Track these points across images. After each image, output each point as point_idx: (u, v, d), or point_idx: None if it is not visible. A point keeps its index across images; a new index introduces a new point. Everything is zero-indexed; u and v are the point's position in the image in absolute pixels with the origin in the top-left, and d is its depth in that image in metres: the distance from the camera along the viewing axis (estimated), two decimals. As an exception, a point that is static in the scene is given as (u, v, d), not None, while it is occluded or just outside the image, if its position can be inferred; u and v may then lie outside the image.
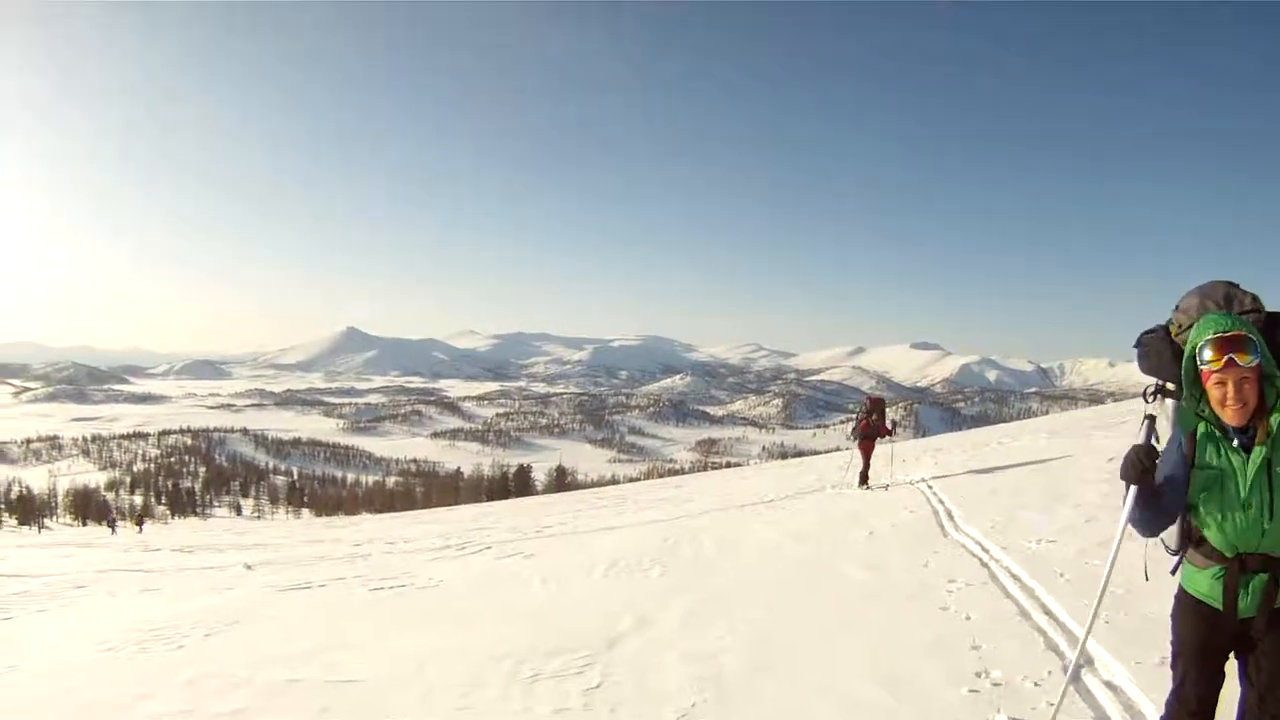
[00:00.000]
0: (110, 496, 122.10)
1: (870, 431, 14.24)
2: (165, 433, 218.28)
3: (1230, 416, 2.64)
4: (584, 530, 14.83)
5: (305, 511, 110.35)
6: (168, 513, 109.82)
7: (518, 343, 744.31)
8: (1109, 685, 4.30)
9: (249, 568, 14.39)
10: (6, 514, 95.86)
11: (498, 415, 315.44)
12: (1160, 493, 2.78)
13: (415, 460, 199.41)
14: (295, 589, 10.88)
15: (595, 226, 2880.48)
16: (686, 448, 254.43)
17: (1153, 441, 2.89)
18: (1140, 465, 2.75)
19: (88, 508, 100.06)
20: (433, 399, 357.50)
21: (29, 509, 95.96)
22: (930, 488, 12.40)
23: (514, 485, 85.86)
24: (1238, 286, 2.91)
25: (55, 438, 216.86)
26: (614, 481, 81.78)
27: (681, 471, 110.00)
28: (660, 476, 70.00)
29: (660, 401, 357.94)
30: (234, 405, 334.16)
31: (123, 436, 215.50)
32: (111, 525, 50.36)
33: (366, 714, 5.21)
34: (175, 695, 5.90)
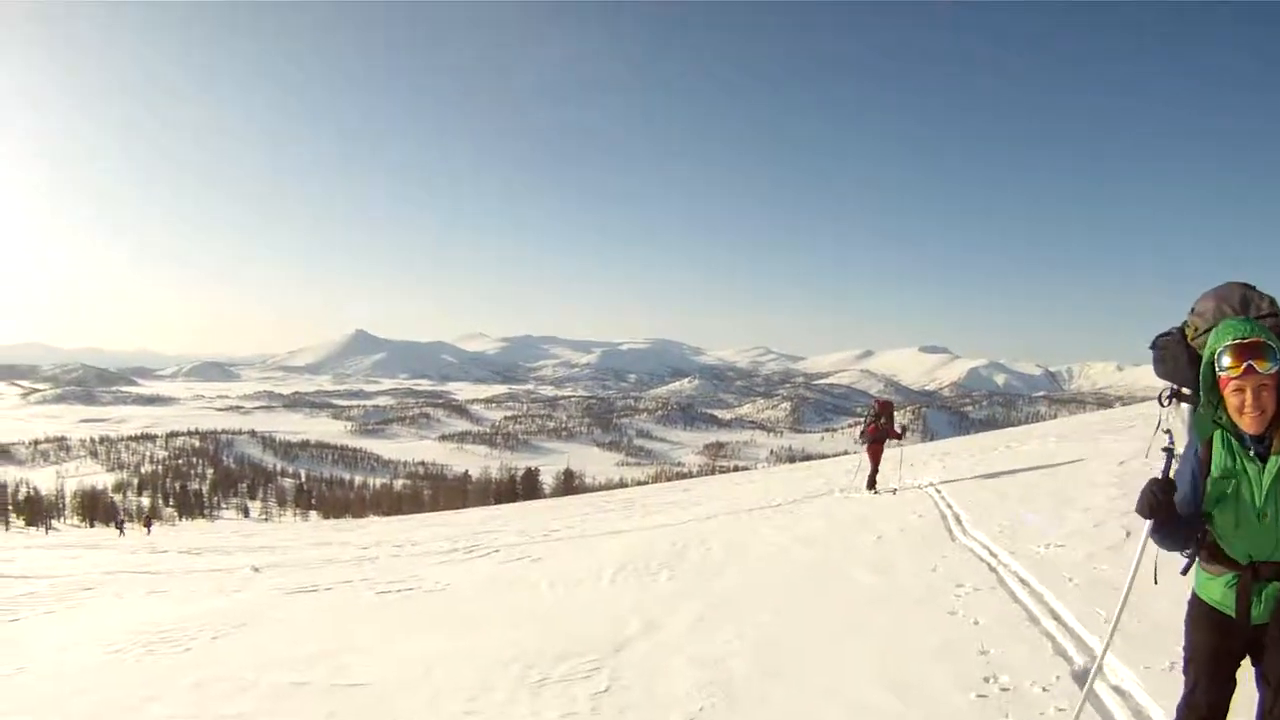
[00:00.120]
0: (118, 498, 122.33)
1: (879, 435, 14.17)
2: (173, 434, 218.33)
3: (1248, 425, 2.59)
4: (592, 534, 14.82)
5: (313, 514, 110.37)
6: (175, 514, 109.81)
7: (526, 346, 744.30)
8: (1117, 690, 4.27)
9: (256, 570, 14.43)
10: (14, 515, 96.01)
11: (506, 418, 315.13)
12: (1177, 521, 2.74)
13: (423, 463, 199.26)
14: (302, 592, 10.91)
15: (603, 229, 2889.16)
16: (694, 451, 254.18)
17: (1171, 474, 2.80)
18: (1157, 501, 2.69)
19: (95, 509, 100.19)
20: (441, 402, 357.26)
21: (36, 510, 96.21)
22: (938, 492, 12.35)
23: (522, 488, 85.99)
24: (1254, 289, 2.86)
25: (63, 439, 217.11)
26: (622, 485, 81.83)
27: (689, 475, 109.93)
28: (668, 480, 69.97)
29: (668, 405, 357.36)
30: (242, 407, 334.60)
31: (130, 438, 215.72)
32: (120, 527, 50.55)
33: (373, 718, 5.22)
34: (182, 698, 5.91)
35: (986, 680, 4.62)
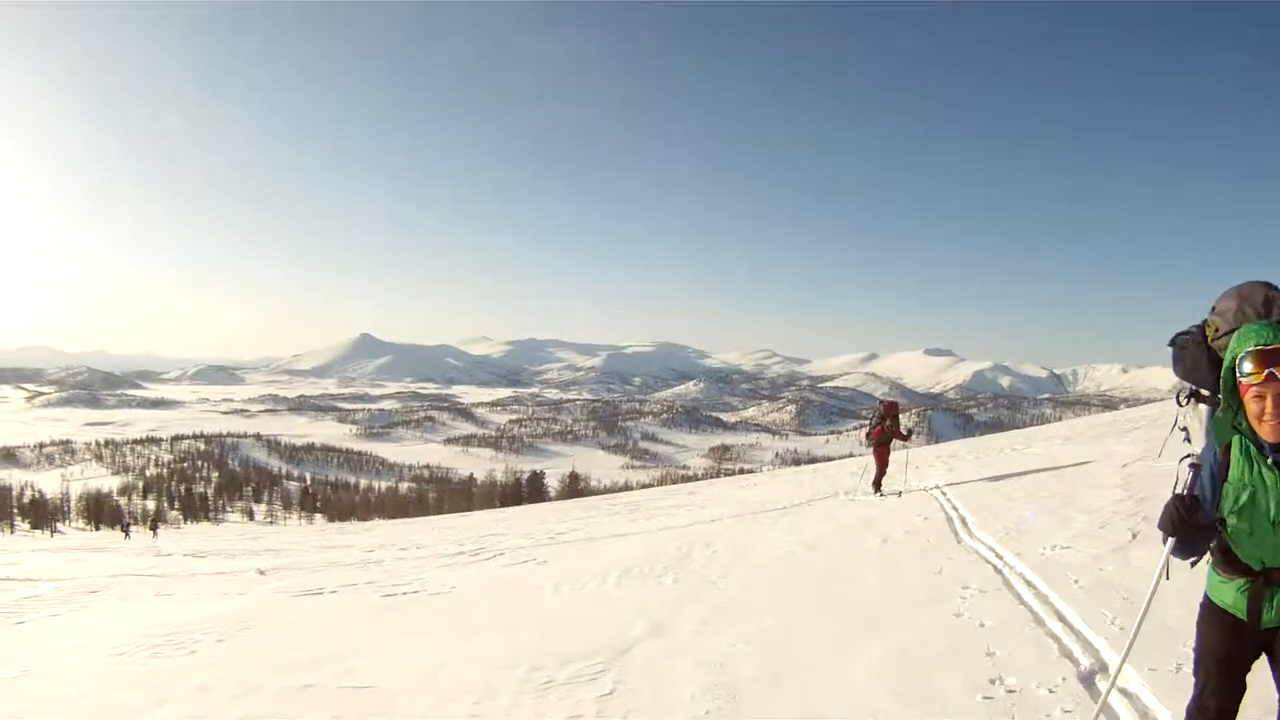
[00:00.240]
0: (123, 501, 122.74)
1: (885, 437, 14.12)
2: (178, 438, 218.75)
3: (1267, 432, 2.54)
4: (597, 537, 14.81)
5: (318, 517, 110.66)
6: (180, 517, 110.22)
7: (531, 349, 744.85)
8: (1124, 692, 4.25)
9: (262, 573, 14.44)
10: (19, 518, 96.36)
11: (511, 421, 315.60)
12: (1198, 539, 2.72)
13: (428, 466, 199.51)
14: (308, 595, 10.92)
15: (607, 232, 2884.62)
16: (700, 454, 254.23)
17: (1197, 491, 2.73)
18: (1179, 518, 2.66)
19: (100, 512, 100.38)
20: (446, 405, 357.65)
21: (42, 513, 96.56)
22: (943, 494, 12.32)
23: (527, 491, 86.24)
24: (1277, 289, 2.83)
25: (68, 442, 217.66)
26: (627, 488, 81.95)
27: (695, 478, 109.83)
28: (673, 483, 69.98)
29: (673, 408, 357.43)
30: (247, 410, 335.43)
31: (136, 441, 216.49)
32: (126, 530, 50.67)
33: (379, 720, 5.21)
34: (188, 701, 5.92)
35: (993, 682, 4.60)
